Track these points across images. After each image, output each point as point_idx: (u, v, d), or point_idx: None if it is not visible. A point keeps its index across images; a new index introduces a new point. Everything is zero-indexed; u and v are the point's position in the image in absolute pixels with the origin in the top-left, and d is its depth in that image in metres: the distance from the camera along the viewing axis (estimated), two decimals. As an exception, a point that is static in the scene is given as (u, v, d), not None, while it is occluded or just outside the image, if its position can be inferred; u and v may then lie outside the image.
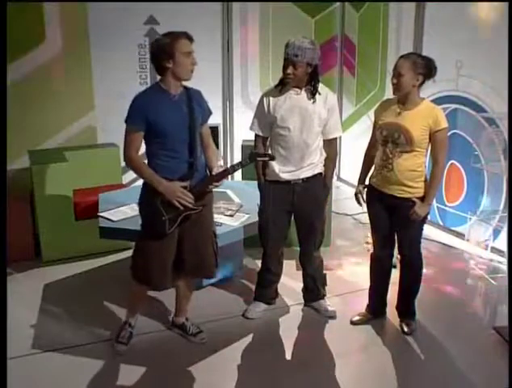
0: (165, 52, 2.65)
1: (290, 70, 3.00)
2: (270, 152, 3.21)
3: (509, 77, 3.59)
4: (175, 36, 2.67)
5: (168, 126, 2.71)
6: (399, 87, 2.91)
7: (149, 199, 2.77)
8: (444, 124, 2.92)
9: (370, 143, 3.23)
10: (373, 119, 3.18)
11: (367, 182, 3.25)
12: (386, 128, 3.00)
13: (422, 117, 2.92)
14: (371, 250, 3.37)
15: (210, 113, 2.96)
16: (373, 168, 3.19)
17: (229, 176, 5.49)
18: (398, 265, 3.32)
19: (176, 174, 2.76)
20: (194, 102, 2.80)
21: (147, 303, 3.37)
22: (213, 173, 2.87)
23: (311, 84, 3.09)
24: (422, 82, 2.92)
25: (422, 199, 3.01)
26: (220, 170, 2.86)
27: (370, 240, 3.63)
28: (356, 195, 3.27)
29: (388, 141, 2.99)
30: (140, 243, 2.93)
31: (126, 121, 2.74)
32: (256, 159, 2.92)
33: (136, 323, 3.18)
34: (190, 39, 2.70)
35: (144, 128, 2.71)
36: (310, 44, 2.98)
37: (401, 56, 2.95)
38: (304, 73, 3.02)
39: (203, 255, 2.96)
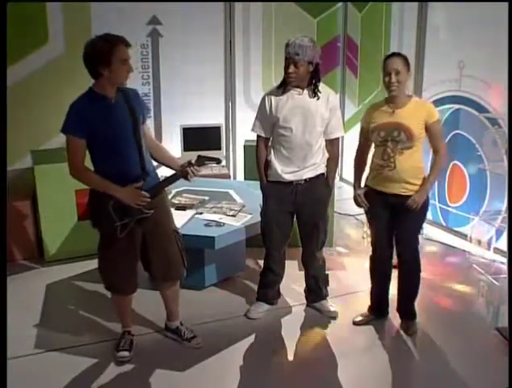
0: (101, 59, 2.54)
1: (292, 69, 3.00)
2: (272, 153, 3.21)
3: (509, 77, 3.58)
4: (113, 43, 2.56)
5: (112, 131, 2.63)
6: (399, 85, 2.94)
7: (100, 204, 2.69)
8: (437, 115, 3.06)
9: (360, 148, 3.22)
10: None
11: (362, 184, 3.24)
12: (383, 129, 3.00)
13: (417, 112, 2.98)
14: (369, 240, 3.36)
15: (148, 111, 2.85)
16: (369, 170, 3.18)
17: (230, 177, 5.55)
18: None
19: (128, 178, 2.68)
20: (133, 102, 2.72)
21: (146, 303, 3.38)
22: (179, 169, 2.77)
23: (312, 83, 3.09)
24: None
25: None
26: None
27: (368, 233, 3.66)
28: (356, 199, 3.23)
29: (387, 141, 2.99)
30: (100, 250, 2.88)
31: (64, 131, 2.62)
32: (204, 163, 2.80)
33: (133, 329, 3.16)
34: (127, 45, 2.61)
35: (86, 136, 2.61)
36: (310, 42, 2.99)
37: (391, 55, 3.01)
38: (305, 71, 3.02)
39: (168, 255, 2.91)
